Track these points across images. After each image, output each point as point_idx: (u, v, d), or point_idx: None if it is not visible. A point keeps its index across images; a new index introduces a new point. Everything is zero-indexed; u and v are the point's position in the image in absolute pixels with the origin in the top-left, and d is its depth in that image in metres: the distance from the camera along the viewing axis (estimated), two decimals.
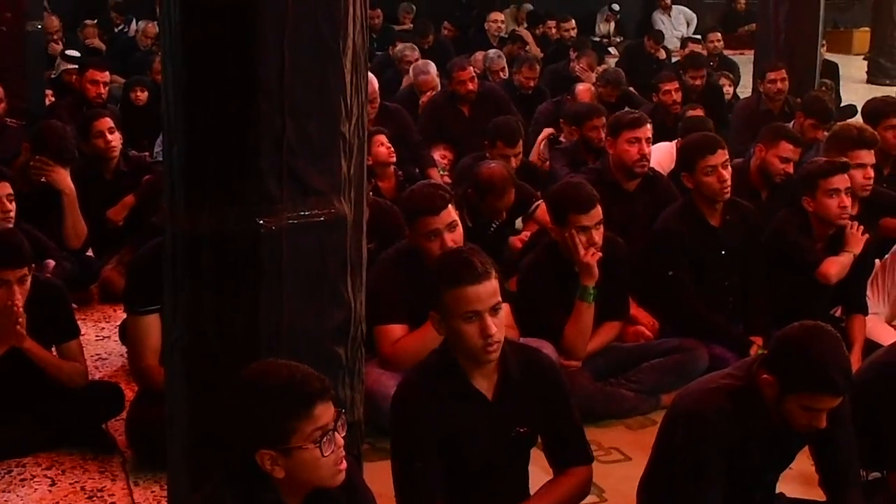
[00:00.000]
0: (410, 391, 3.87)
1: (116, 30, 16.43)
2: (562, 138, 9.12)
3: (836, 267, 6.00)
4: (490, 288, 3.80)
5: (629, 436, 5.44)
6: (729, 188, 6.12)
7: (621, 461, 5.08)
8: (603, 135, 7.84)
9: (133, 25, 15.83)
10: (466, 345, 3.81)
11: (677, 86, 10.10)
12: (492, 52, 12.65)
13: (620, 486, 4.66)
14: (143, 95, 10.41)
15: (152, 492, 4.82)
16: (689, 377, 5.02)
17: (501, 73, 11.94)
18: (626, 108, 8.84)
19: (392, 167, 7.84)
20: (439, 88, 10.36)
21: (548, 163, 8.76)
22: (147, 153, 9.55)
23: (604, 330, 5.82)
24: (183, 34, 3.35)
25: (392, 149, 7.69)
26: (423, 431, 3.78)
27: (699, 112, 8.92)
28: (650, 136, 6.95)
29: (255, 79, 3.27)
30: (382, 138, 7.65)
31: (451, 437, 3.81)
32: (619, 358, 5.91)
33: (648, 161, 6.93)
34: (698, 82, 11.04)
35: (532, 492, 4.07)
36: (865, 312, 6.27)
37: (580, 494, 4.07)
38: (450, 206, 5.31)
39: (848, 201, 6.01)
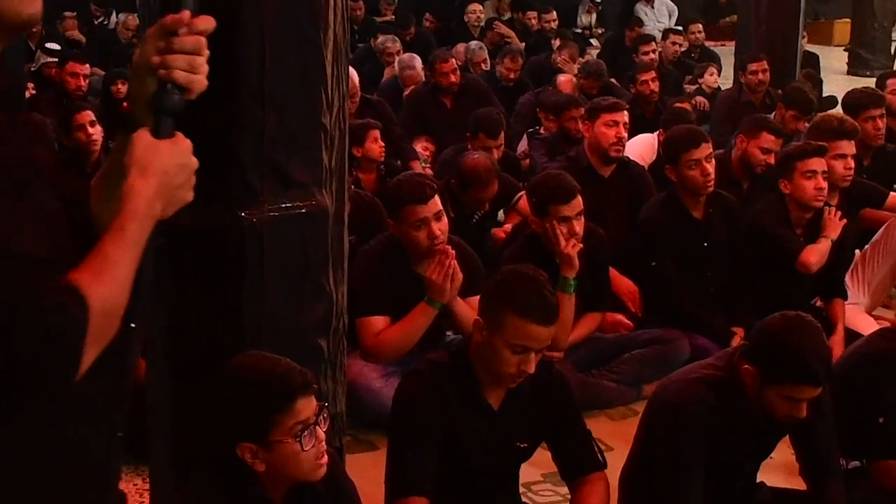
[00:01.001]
0: (419, 383, 3.80)
1: (97, 22, 16.36)
2: (541, 130, 9.13)
3: (815, 255, 6.03)
4: (551, 333, 3.75)
5: (611, 426, 5.45)
6: (713, 182, 6.16)
7: (604, 451, 5.08)
8: (581, 125, 7.86)
9: (113, 18, 15.78)
10: (499, 368, 3.73)
11: (654, 76, 10.10)
12: (473, 43, 12.66)
13: None
14: (124, 88, 10.32)
15: (135, 484, 4.81)
16: (670, 368, 5.03)
17: (483, 65, 11.95)
18: None
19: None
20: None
21: (527, 160, 8.76)
22: None
23: (585, 321, 5.84)
24: None
25: (384, 146, 7.61)
26: (423, 425, 3.73)
27: (686, 105, 8.92)
28: (627, 122, 6.97)
29: (236, 71, 3.26)
30: (377, 133, 7.52)
31: (451, 439, 3.76)
32: (601, 349, 5.93)
33: (624, 146, 6.97)
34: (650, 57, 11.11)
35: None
36: (845, 297, 6.33)
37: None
38: (436, 195, 5.31)
39: (824, 184, 6.06)
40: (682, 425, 3.87)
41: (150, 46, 1.93)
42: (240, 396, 3.12)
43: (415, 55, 11.00)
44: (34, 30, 13.57)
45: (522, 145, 9.19)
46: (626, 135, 6.98)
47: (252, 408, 3.10)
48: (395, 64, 11.01)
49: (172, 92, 1.97)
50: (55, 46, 11.46)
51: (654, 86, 10.02)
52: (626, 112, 7.01)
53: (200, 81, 1.93)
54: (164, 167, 1.93)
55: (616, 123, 6.84)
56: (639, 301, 6.32)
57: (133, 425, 4.57)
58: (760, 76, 9.99)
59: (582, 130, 7.10)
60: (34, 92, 10.82)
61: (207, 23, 1.96)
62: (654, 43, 9.97)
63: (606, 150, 6.82)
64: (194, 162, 1.98)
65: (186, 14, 1.94)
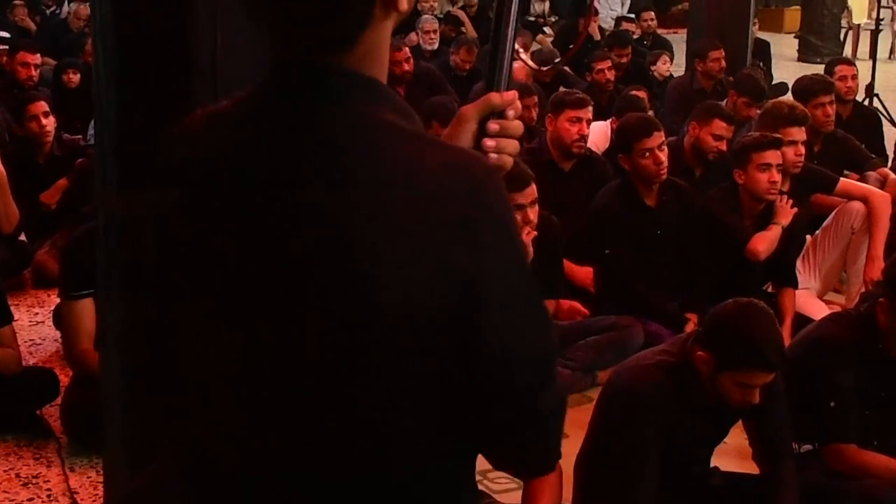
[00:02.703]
0: None
1: (48, 11, 16.20)
2: None
3: (764, 243, 6.06)
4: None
5: (566, 413, 5.45)
6: (665, 170, 6.18)
7: None
8: (534, 114, 7.86)
9: (65, 7, 15.62)
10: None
11: (610, 64, 10.12)
12: (424, 17, 12.68)
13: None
14: (75, 78, 10.26)
15: (88, 477, 4.78)
16: (624, 354, 5.05)
17: (433, 35, 11.93)
18: (562, 88, 8.84)
19: None
20: None
21: None
22: (80, 136, 9.42)
23: None
24: (114, 14, 3.31)
25: None
26: None
27: (641, 93, 8.92)
28: (591, 118, 6.98)
29: (188, 58, 3.24)
30: None
31: None
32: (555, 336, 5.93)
33: (586, 142, 6.96)
34: (624, 60, 11.11)
35: None
36: (795, 286, 6.36)
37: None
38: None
39: (778, 177, 6.09)
40: (637, 411, 3.89)
41: (473, 125, 1.88)
42: None
43: None
44: None
45: None
46: (588, 131, 6.95)
47: None
48: None
49: None
50: (5, 34, 11.33)
51: (610, 74, 10.03)
52: (590, 108, 6.98)
53: (510, 164, 1.90)
54: None
55: (579, 120, 6.81)
56: (594, 301, 6.34)
57: (88, 417, 4.57)
58: (722, 63, 10.05)
59: (546, 120, 7.07)
60: None
61: (517, 103, 1.93)
62: (609, 60, 10.02)
63: (569, 147, 6.81)
64: None
65: (514, 94, 1.91)
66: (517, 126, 1.90)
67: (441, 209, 1.57)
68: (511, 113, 1.89)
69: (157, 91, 3.30)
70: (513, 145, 1.88)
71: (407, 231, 1.56)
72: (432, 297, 1.56)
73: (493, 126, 1.87)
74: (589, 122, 6.94)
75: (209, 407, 1.74)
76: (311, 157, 1.61)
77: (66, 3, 15.67)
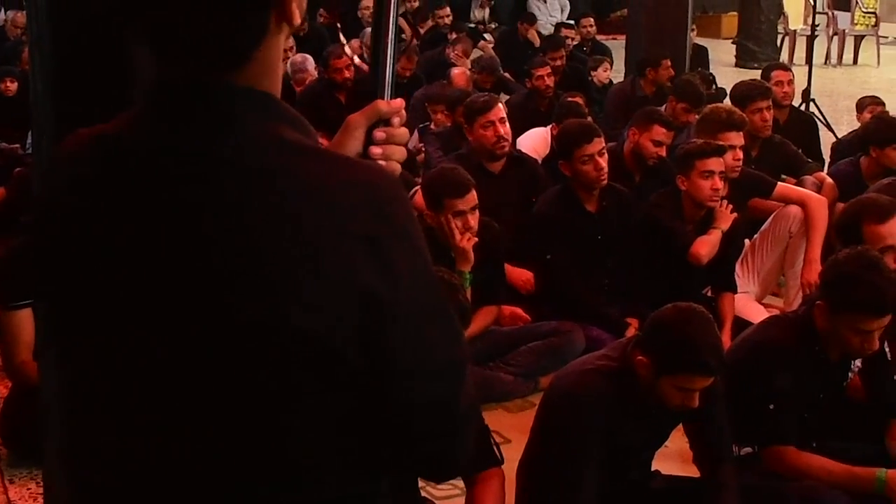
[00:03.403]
0: None
1: None
2: (431, 126, 9.07)
3: (706, 247, 6.11)
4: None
5: (508, 419, 5.47)
6: (605, 176, 6.23)
7: (501, 444, 5.08)
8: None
9: (1, 15, 15.47)
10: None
11: (549, 70, 10.14)
12: (367, 30, 12.66)
13: None
14: (13, 86, 10.15)
15: (28, 489, 4.73)
16: (566, 359, 5.07)
17: None
18: (502, 94, 8.86)
19: None
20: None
21: (422, 155, 8.73)
22: (18, 146, 9.34)
23: (481, 314, 5.84)
24: (50, 22, 3.28)
25: None
26: None
27: (578, 99, 8.95)
28: (503, 115, 6.89)
29: (125, 66, 3.21)
30: None
31: None
32: (497, 342, 5.94)
33: (508, 140, 6.93)
34: (559, 63, 11.17)
35: None
36: (735, 291, 6.41)
37: None
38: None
39: (720, 184, 6.13)
40: (578, 415, 3.90)
41: (361, 133, 1.89)
42: None
43: (307, 56, 10.90)
44: None
45: (414, 140, 9.13)
46: (505, 129, 6.86)
47: None
48: (288, 65, 10.92)
49: None
50: None
51: (550, 80, 10.05)
52: (499, 107, 6.93)
53: (399, 171, 1.90)
54: None
55: (491, 123, 6.78)
56: (534, 287, 6.36)
57: (27, 429, 4.52)
58: (671, 71, 10.13)
59: (465, 133, 7.06)
60: None
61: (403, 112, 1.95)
62: (549, 67, 10.06)
63: (491, 150, 6.82)
64: None
65: (400, 102, 1.92)
66: (403, 133, 1.91)
67: (345, 227, 1.57)
68: (397, 120, 1.91)
69: (94, 99, 3.26)
70: (399, 152, 1.90)
71: (311, 251, 1.55)
72: (339, 315, 1.55)
73: (380, 134, 1.88)
74: (503, 120, 6.86)
75: (89, 424, 1.70)
76: (208, 181, 1.59)
77: (2, 10, 15.51)
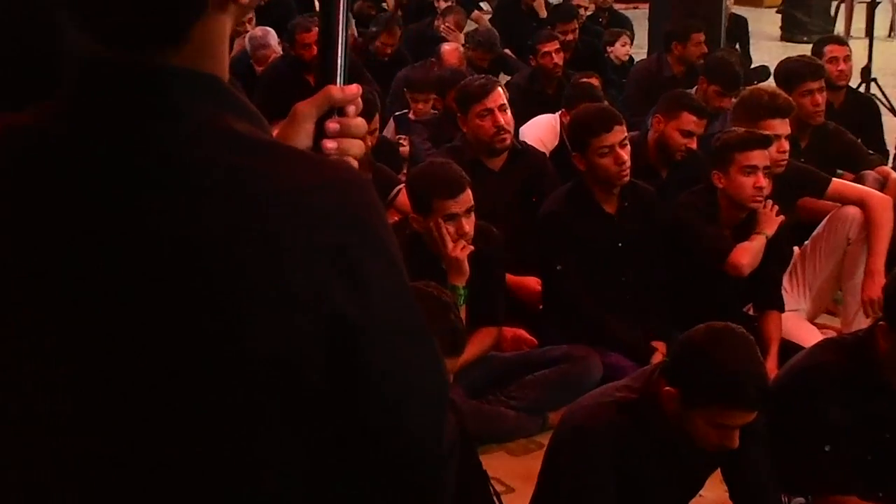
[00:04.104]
0: None
1: None
2: (411, 115, 8.99)
3: (748, 255, 6.07)
4: (454, 365, 3.85)
5: (511, 463, 5.46)
6: (628, 171, 6.16)
7: (503, 493, 5.09)
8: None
9: None
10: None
11: (557, 46, 10.06)
12: None
13: None
14: None
15: None
16: (579, 391, 5.04)
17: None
18: (502, 75, 8.85)
19: None
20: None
21: (406, 148, 8.68)
22: None
23: (478, 337, 5.81)
24: None
25: None
26: None
27: (593, 80, 8.93)
28: (504, 101, 6.87)
29: (57, 55, 3.21)
30: None
31: None
32: (498, 369, 5.93)
33: (510, 130, 6.92)
34: (570, 38, 11.13)
35: None
36: (781, 308, 6.37)
37: None
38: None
39: (764, 182, 6.07)
40: (587, 452, 3.89)
41: (311, 125, 1.89)
42: None
43: (269, 29, 10.80)
44: None
45: (389, 129, 9.06)
46: (506, 118, 6.84)
47: None
48: (246, 40, 10.87)
49: None
50: None
51: (558, 58, 10.00)
52: (498, 92, 6.91)
53: (357, 167, 1.89)
54: None
55: (490, 111, 6.76)
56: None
57: None
58: (704, 48, 10.12)
59: (459, 123, 7.05)
60: None
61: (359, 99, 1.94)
62: (557, 42, 9.97)
63: (490, 143, 6.80)
64: None
65: (356, 88, 1.92)
66: (360, 124, 1.91)
67: (313, 239, 1.57)
68: (352, 109, 1.91)
69: (24, 92, 3.26)
70: (357, 146, 1.90)
71: (270, 265, 1.55)
72: (304, 339, 1.56)
73: (333, 125, 1.88)
74: (503, 107, 6.84)
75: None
76: (147, 182, 1.57)
77: None
